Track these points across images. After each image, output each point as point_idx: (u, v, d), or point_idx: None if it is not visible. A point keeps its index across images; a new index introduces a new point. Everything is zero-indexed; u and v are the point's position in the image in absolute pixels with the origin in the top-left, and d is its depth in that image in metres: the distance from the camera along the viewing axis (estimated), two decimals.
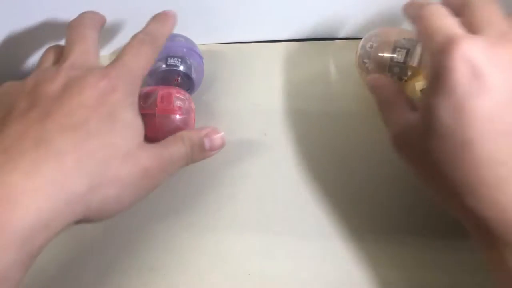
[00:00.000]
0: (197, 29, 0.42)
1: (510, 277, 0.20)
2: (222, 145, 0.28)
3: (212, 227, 0.31)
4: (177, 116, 0.29)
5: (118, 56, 0.26)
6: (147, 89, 0.31)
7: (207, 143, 0.27)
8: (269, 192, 0.33)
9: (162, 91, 0.30)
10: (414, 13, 0.25)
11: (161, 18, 0.30)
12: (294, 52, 0.42)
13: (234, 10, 0.41)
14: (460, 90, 0.20)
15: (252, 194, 0.33)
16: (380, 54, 0.32)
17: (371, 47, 0.32)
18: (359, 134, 0.34)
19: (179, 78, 0.34)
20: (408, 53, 0.31)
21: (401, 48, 0.31)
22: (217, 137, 0.28)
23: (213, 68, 0.40)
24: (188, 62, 0.34)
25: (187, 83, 0.34)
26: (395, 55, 0.31)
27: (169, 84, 0.33)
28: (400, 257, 0.29)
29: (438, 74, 0.21)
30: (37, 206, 0.19)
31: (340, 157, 0.33)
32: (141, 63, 0.26)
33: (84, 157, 0.21)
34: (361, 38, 0.43)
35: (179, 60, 0.33)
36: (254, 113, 0.37)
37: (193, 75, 0.34)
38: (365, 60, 0.33)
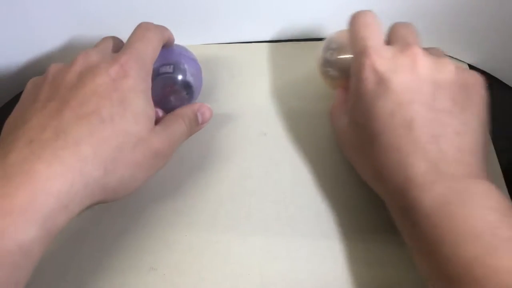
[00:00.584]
0: (196, 29, 0.42)
1: (419, 240, 0.22)
2: (210, 117, 0.31)
3: (212, 227, 0.31)
4: None
5: (127, 43, 0.28)
6: None
7: (199, 117, 0.30)
8: (269, 192, 0.33)
9: None
10: (349, 23, 0.30)
11: (166, 27, 0.32)
12: (294, 52, 0.42)
13: (233, 10, 0.41)
14: (368, 95, 0.25)
15: (252, 194, 0.33)
16: (340, 57, 0.32)
17: (331, 54, 0.33)
18: None
19: (175, 86, 0.33)
20: None
21: None
22: (206, 110, 0.31)
23: (212, 68, 0.40)
24: (182, 67, 0.33)
25: (186, 88, 0.34)
26: None
27: (166, 93, 0.33)
28: (401, 257, 0.29)
29: (355, 84, 0.26)
30: (57, 189, 0.21)
31: (340, 157, 0.33)
32: (149, 48, 0.28)
33: (99, 144, 0.23)
34: None
35: (171, 66, 0.33)
36: (254, 113, 0.37)
37: (189, 79, 0.33)
38: (328, 69, 0.33)
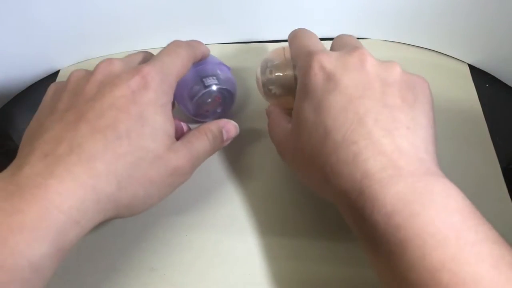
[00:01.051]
0: (196, 29, 0.42)
1: (379, 243, 0.21)
2: (235, 134, 0.30)
3: (212, 227, 0.31)
4: None
5: (155, 56, 0.27)
6: None
7: (224, 134, 0.29)
8: (269, 192, 0.33)
9: None
10: (289, 39, 0.30)
11: (197, 41, 0.32)
12: None
13: (233, 10, 0.41)
14: (318, 91, 0.24)
15: (252, 194, 0.33)
16: (280, 74, 0.32)
17: (271, 72, 0.32)
18: None
19: (220, 96, 0.33)
20: None
21: None
22: (232, 127, 0.29)
23: None
24: (221, 76, 0.33)
25: (227, 98, 0.34)
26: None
27: (211, 105, 0.34)
28: None
29: (302, 82, 0.26)
30: (69, 205, 0.21)
31: None
32: (177, 64, 0.27)
33: (113, 160, 0.22)
34: (362, 38, 0.43)
35: (214, 77, 0.33)
36: (254, 113, 0.37)
37: (230, 88, 0.34)
38: (270, 87, 0.33)
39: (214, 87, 0.32)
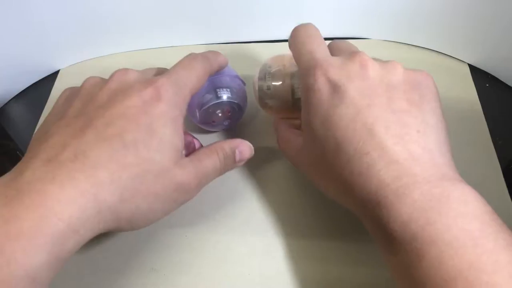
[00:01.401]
0: (196, 29, 0.42)
1: (397, 253, 0.21)
2: (249, 157, 0.29)
3: (212, 227, 0.31)
4: None
5: (170, 69, 0.27)
6: None
7: (237, 155, 0.27)
8: (269, 192, 0.33)
9: None
10: (290, 41, 0.29)
11: (215, 51, 0.31)
12: None
13: (233, 10, 0.41)
14: (324, 105, 0.24)
15: (252, 194, 0.33)
16: (278, 84, 0.32)
17: (268, 88, 0.32)
18: None
19: (230, 109, 0.33)
20: None
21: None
22: (246, 149, 0.28)
23: None
24: (235, 90, 0.33)
25: (237, 112, 0.34)
26: (295, 82, 0.31)
27: (216, 117, 0.34)
28: None
29: (307, 97, 0.25)
30: (69, 214, 0.20)
31: None
32: (191, 77, 0.26)
33: (117, 171, 0.21)
34: (361, 38, 0.43)
35: (228, 90, 0.32)
36: (254, 113, 0.37)
37: (241, 103, 0.34)
38: (267, 101, 0.33)
39: (225, 99, 0.32)
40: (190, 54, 0.28)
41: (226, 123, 0.35)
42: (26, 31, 0.39)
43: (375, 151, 0.22)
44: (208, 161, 0.26)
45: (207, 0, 0.39)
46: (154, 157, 0.23)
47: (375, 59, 0.25)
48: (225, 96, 0.32)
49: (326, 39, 0.42)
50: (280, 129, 0.30)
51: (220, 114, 0.33)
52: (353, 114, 0.23)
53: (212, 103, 0.32)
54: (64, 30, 0.40)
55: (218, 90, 0.32)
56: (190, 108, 0.34)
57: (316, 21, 0.38)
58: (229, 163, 0.27)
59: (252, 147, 0.29)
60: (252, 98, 0.35)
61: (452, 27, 0.38)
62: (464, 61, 0.40)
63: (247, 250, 0.30)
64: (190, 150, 0.30)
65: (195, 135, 0.32)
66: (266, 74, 0.32)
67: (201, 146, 0.30)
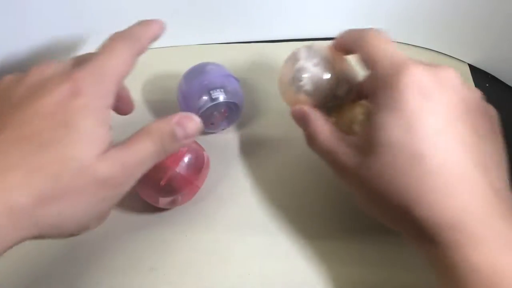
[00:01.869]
0: (197, 29, 0.42)
1: (452, 273, 0.21)
2: (197, 131, 0.24)
3: (212, 227, 0.31)
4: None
5: (90, 56, 0.24)
6: None
7: (179, 132, 0.23)
8: (269, 192, 0.33)
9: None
10: (354, 40, 0.26)
11: (145, 21, 0.27)
12: None
13: (233, 10, 0.41)
14: (411, 109, 0.22)
15: (252, 194, 0.33)
16: (325, 74, 0.28)
17: (318, 63, 0.28)
18: None
19: (227, 109, 0.33)
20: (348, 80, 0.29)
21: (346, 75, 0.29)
22: (188, 122, 0.23)
23: None
24: (229, 89, 0.33)
25: (234, 111, 0.34)
26: (341, 79, 0.28)
27: (214, 119, 0.34)
28: (402, 258, 0.29)
29: (390, 94, 0.23)
30: None
31: None
32: (116, 62, 0.23)
33: (33, 171, 0.20)
34: None
35: (222, 90, 0.32)
36: (254, 113, 0.37)
37: (237, 102, 0.33)
38: (302, 83, 0.28)
39: (221, 100, 0.32)
40: (111, 35, 0.25)
41: (224, 123, 0.35)
42: (26, 30, 0.39)
43: (460, 171, 0.21)
44: (139, 146, 0.22)
45: (207, 0, 0.39)
46: (73, 154, 0.20)
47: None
48: (220, 97, 0.32)
49: (326, 39, 0.42)
50: (313, 119, 0.27)
51: (217, 115, 0.33)
52: (442, 125, 0.22)
53: (208, 105, 0.32)
54: (64, 30, 0.40)
55: (212, 92, 0.32)
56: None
57: (316, 21, 0.38)
58: (168, 143, 0.23)
59: (198, 120, 0.24)
60: (249, 95, 0.35)
61: (452, 27, 0.38)
62: (464, 61, 0.40)
63: (247, 250, 0.30)
64: (199, 161, 0.30)
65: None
66: (315, 58, 0.29)
67: (209, 158, 0.31)
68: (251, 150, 0.35)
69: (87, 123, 0.21)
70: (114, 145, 0.22)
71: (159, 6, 0.39)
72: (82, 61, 0.24)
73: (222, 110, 0.33)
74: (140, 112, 0.38)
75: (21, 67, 0.41)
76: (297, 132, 0.36)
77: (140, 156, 0.22)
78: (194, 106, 0.32)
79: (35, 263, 0.29)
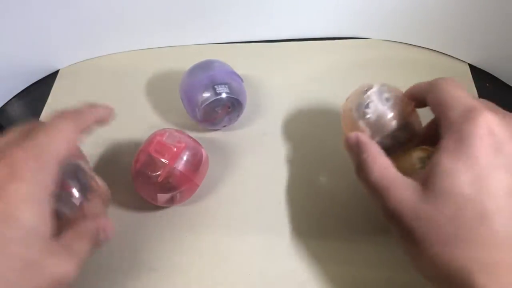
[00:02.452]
0: (196, 29, 0.42)
1: None
2: (110, 236, 0.24)
3: (212, 227, 0.31)
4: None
5: (29, 133, 0.21)
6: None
7: (102, 235, 0.23)
8: (269, 192, 0.33)
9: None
10: (426, 88, 0.25)
11: (94, 104, 0.25)
12: (294, 52, 0.42)
13: (233, 10, 0.41)
14: (484, 160, 0.20)
15: (252, 194, 0.33)
16: (390, 115, 0.27)
17: (388, 99, 0.27)
18: None
19: (230, 105, 0.33)
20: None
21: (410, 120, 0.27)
22: (109, 230, 0.24)
23: None
24: (233, 86, 0.33)
25: (236, 108, 0.34)
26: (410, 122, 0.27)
27: (216, 114, 0.34)
28: (402, 258, 0.29)
29: (461, 142, 0.21)
30: None
31: (341, 157, 0.33)
32: (58, 142, 0.21)
33: None
34: (361, 38, 0.43)
35: (226, 86, 0.33)
36: (254, 113, 0.37)
37: (241, 99, 0.34)
38: (366, 111, 0.27)
39: (224, 95, 0.32)
40: (56, 112, 0.23)
41: (226, 119, 0.35)
42: (26, 31, 0.39)
43: None
44: (80, 245, 0.22)
45: (207, 0, 0.39)
46: (16, 250, 0.18)
47: None
48: (224, 92, 0.32)
49: (326, 39, 0.42)
50: (370, 152, 0.24)
51: (220, 111, 0.33)
52: None
53: (212, 99, 0.32)
54: (64, 30, 0.40)
55: (216, 86, 0.32)
56: (190, 107, 0.34)
57: (316, 20, 0.38)
58: (95, 244, 0.23)
59: (113, 227, 0.24)
60: (249, 95, 0.35)
61: (452, 27, 0.38)
62: (464, 61, 0.40)
63: (247, 250, 0.30)
64: (197, 158, 0.30)
65: (195, 135, 0.32)
66: (387, 93, 0.27)
67: (207, 156, 0.31)
68: (251, 150, 0.35)
69: (26, 215, 0.19)
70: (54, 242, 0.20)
71: (160, 6, 0.39)
72: (29, 133, 0.21)
73: (225, 106, 0.33)
74: (143, 112, 0.38)
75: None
76: (297, 132, 0.36)
77: (82, 254, 0.21)
78: (197, 100, 0.33)
79: None
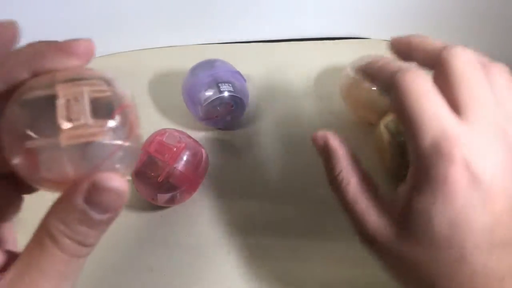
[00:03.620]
0: (196, 29, 0.42)
1: None
2: (120, 198, 0.16)
3: (212, 227, 0.31)
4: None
5: None
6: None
7: (95, 215, 0.16)
8: (269, 193, 0.33)
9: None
10: (386, 81, 0.21)
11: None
12: (294, 52, 0.42)
13: (233, 10, 0.41)
14: (460, 200, 0.18)
15: (252, 194, 0.33)
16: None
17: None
18: (360, 134, 0.35)
19: (232, 103, 0.34)
20: None
21: None
22: (106, 188, 0.16)
23: None
24: (236, 85, 0.34)
25: (239, 107, 0.34)
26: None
27: (219, 112, 0.34)
28: None
29: (437, 181, 0.18)
30: None
31: None
32: None
33: None
34: (361, 38, 0.43)
35: (229, 84, 0.33)
36: (254, 113, 0.37)
37: (243, 98, 0.34)
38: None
39: (227, 94, 0.33)
40: None
41: (228, 118, 0.35)
42: (26, 31, 0.39)
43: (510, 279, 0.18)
44: (41, 258, 0.16)
45: (207, 0, 0.39)
46: None
47: None
48: (227, 90, 0.32)
49: (326, 39, 0.42)
50: (352, 185, 0.22)
51: (222, 109, 0.34)
52: (492, 224, 0.18)
53: (215, 97, 0.32)
54: (64, 30, 0.40)
55: (220, 84, 0.32)
56: (193, 105, 0.34)
57: (316, 20, 0.38)
58: (85, 229, 0.17)
59: (124, 190, 0.17)
60: (251, 96, 0.35)
61: (452, 27, 0.38)
62: None
63: (247, 250, 0.30)
64: (197, 158, 0.30)
65: (195, 135, 0.32)
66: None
67: (207, 156, 0.31)
68: (251, 150, 0.35)
69: None
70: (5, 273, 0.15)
71: (160, 6, 0.39)
72: None
73: (228, 105, 0.33)
74: (143, 112, 0.38)
75: None
76: (297, 132, 0.36)
77: (45, 268, 0.16)
78: (200, 97, 0.33)
79: None
